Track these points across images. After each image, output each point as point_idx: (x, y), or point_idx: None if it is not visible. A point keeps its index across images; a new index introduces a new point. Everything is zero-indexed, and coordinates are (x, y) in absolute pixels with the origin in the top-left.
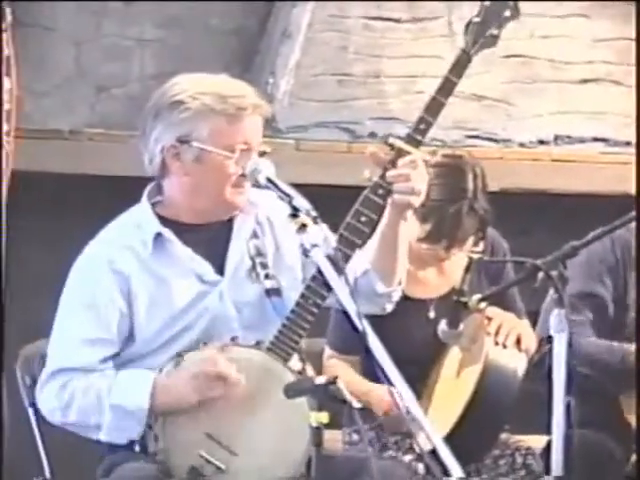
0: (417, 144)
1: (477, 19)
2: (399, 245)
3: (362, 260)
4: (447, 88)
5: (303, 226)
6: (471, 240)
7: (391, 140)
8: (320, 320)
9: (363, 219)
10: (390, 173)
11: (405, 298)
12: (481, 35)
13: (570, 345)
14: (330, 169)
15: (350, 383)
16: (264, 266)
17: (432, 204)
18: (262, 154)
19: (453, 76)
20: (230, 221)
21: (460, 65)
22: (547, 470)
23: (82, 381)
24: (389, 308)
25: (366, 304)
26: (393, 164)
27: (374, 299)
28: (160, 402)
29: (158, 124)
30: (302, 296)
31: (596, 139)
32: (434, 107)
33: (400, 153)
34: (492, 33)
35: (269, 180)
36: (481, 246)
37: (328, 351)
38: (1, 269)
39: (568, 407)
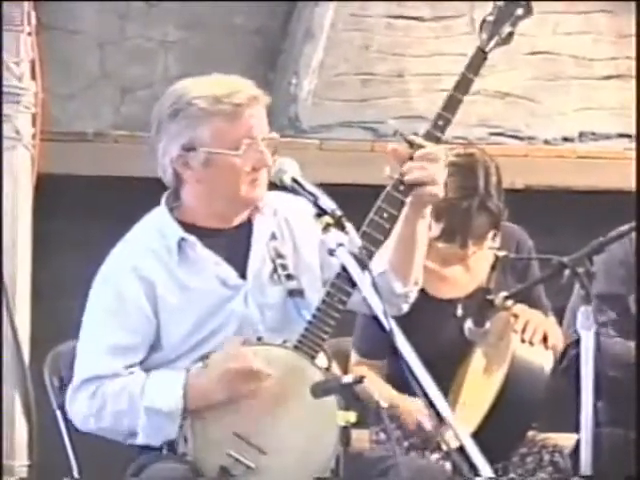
0: (436, 140)
1: (491, 18)
2: (417, 243)
3: (379, 261)
4: (464, 85)
5: (328, 226)
6: (489, 237)
7: (410, 137)
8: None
9: (385, 215)
10: (406, 165)
11: (432, 298)
12: (495, 33)
13: (597, 348)
14: (354, 168)
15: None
16: (285, 267)
17: (445, 203)
18: (274, 152)
19: (470, 73)
20: (249, 224)
21: (476, 62)
22: (576, 469)
23: (112, 385)
24: (405, 309)
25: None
26: (412, 160)
27: (391, 299)
28: (192, 400)
29: (162, 136)
30: (327, 294)
31: (621, 135)
32: (452, 104)
33: (419, 150)
34: (506, 31)
35: (294, 180)
36: (497, 241)
37: (355, 357)
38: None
39: (596, 405)
